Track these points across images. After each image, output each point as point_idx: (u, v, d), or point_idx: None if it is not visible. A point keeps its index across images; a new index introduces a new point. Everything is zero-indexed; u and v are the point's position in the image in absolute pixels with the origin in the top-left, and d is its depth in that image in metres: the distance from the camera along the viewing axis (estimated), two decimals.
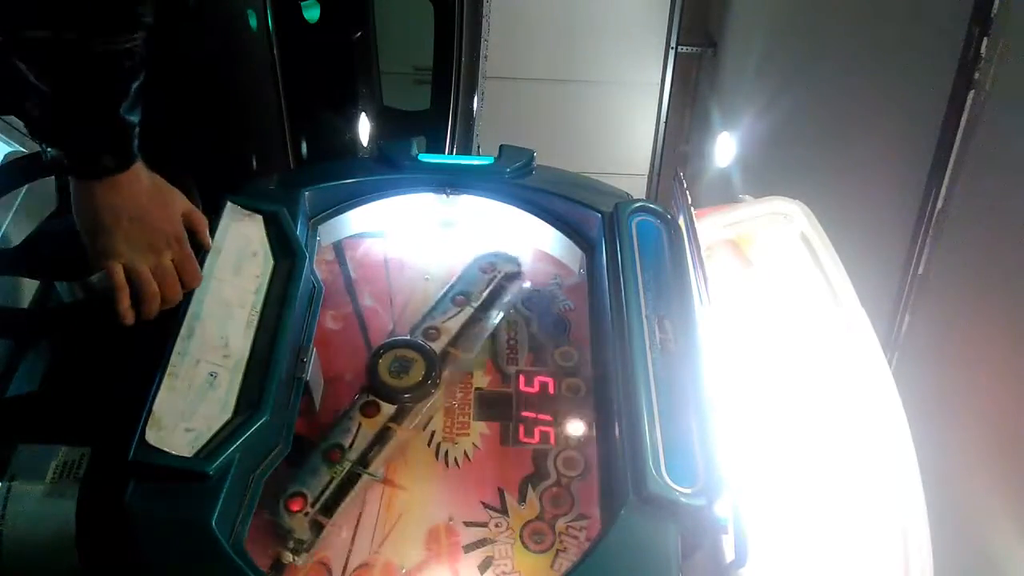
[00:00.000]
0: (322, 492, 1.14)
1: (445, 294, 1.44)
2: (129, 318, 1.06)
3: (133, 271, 1.07)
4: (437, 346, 1.34)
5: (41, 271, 1.53)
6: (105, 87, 0.93)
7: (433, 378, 1.28)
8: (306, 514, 1.12)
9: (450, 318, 1.40)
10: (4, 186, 1.54)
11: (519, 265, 1.50)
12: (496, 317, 1.40)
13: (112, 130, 0.96)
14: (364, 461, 1.19)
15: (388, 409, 1.26)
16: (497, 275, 1.48)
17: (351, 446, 1.20)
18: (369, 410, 1.25)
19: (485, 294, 1.44)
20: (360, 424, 1.23)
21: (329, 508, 1.13)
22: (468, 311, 1.41)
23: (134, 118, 0.96)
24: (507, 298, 1.44)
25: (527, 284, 1.47)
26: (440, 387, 1.29)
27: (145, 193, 1.05)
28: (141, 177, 1.03)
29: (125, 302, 1.06)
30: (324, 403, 1.27)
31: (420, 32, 2.84)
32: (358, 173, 1.52)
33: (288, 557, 1.07)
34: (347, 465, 1.18)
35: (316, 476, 1.16)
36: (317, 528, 1.11)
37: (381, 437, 1.22)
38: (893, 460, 1.20)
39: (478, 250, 1.53)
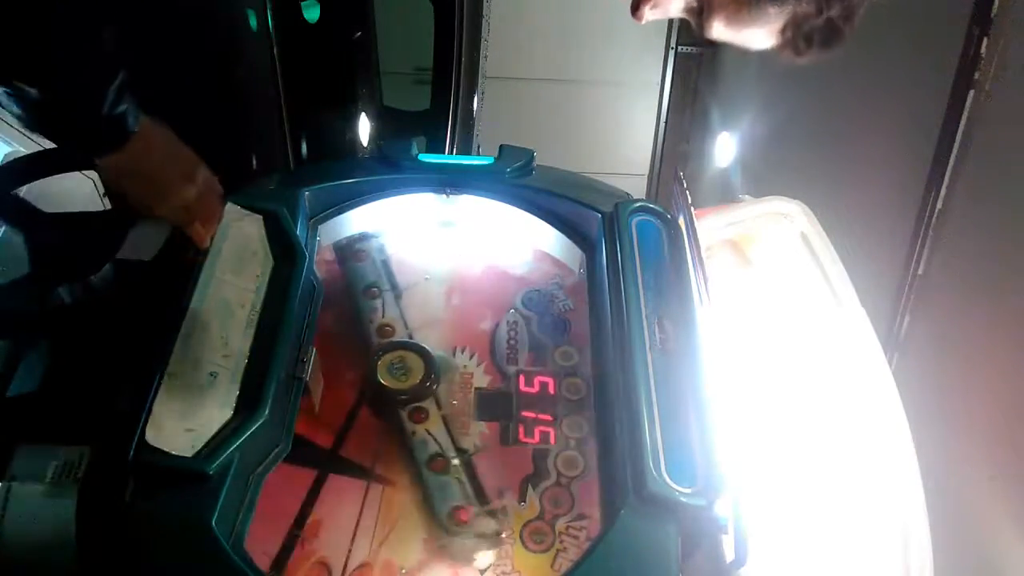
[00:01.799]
0: (467, 493, 1.16)
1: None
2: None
3: (192, 212, 1.10)
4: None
5: (50, 282, 1.53)
6: (83, 115, 0.95)
7: (433, 379, 1.28)
8: (477, 514, 1.13)
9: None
10: (21, 181, 1.55)
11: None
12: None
13: (101, 125, 0.97)
14: (460, 449, 1.21)
15: (431, 407, 1.26)
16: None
17: (441, 449, 1.21)
18: (418, 416, 1.25)
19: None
20: (427, 431, 1.23)
21: (484, 496, 1.15)
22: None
23: (122, 104, 0.96)
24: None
25: (538, 296, 1.47)
26: (439, 388, 1.29)
27: (158, 148, 1.04)
28: (147, 134, 1.02)
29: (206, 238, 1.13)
30: (324, 403, 1.26)
31: (420, 32, 2.84)
32: (358, 173, 1.52)
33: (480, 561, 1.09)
34: (455, 462, 1.19)
35: (450, 487, 1.16)
36: (502, 515, 1.13)
37: (447, 425, 1.24)
38: (893, 460, 1.20)
39: (483, 252, 1.52)
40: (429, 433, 1.23)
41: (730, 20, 1.04)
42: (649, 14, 1.08)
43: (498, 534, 1.12)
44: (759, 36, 1.05)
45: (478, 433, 1.24)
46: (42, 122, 0.98)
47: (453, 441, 1.23)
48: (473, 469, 1.19)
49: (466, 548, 1.10)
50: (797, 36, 1.03)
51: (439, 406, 1.27)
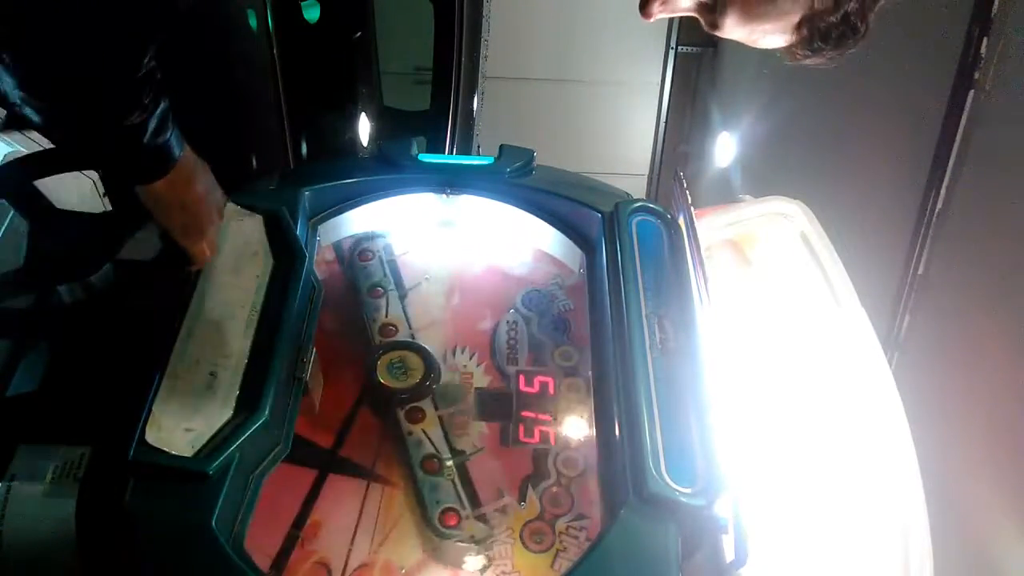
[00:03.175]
0: (459, 495, 1.16)
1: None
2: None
3: (210, 243, 1.16)
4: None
5: (46, 278, 1.54)
6: (127, 144, 0.94)
7: (433, 378, 1.28)
8: (467, 517, 1.13)
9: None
10: (27, 179, 1.55)
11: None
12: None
13: (146, 154, 0.96)
14: (455, 451, 1.20)
15: (428, 407, 1.26)
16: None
17: (437, 450, 1.21)
18: (415, 416, 1.25)
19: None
20: (424, 431, 1.23)
21: (476, 499, 1.15)
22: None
23: (165, 133, 0.96)
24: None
25: (538, 296, 1.47)
26: (439, 388, 1.29)
27: (199, 179, 1.07)
28: (188, 164, 1.04)
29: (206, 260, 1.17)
30: (324, 403, 1.26)
31: (420, 32, 2.84)
32: (358, 173, 1.52)
33: (480, 561, 1.09)
34: (451, 464, 1.19)
35: (439, 489, 1.16)
36: (485, 522, 1.13)
37: (444, 427, 1.24)
38: (893, 460, 1.20)
39: (483, 252, 1.52)
40: (425, 434, 1.23)
41: (744, 16, 1.01)
42: (659, 11, 1.05)
43: (489, 537, 1.11)
44: (773, 34, 1.03)
45: (478, 433, 1.24)
46: (83, 147, 0.98)
47: (449, 442, 1.23)
48: (467, 471, 1.19)
49: (457, 550, 1.10)
50: (813, 33, 1.00)
51: (436, 406, 1.27)
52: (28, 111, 0.88)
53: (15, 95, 0.85)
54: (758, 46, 1.05)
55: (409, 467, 1.19)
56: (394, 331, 1.37)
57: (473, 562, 1.09)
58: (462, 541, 1.11)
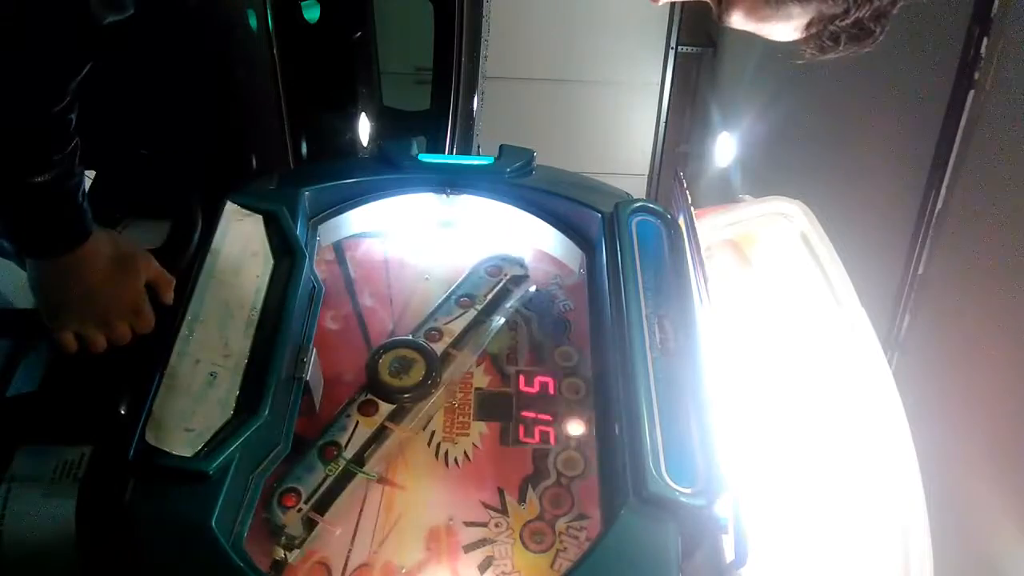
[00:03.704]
0: (316, 489, 1.15)
1: (449, 295, 1.44)
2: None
3: (83, 338, 1.06)
4: (439, 347, 1.34)
5: None
6: (39, 199, 0.87)
7: (433, 378, 1.28)
8: (299, 510, 1.12)
9: (453, 320, 1.40)
10: None
11: (525, 268, 1.50)
12: (498, 321, 1.40)
13: (57, 217, 0.91)
14: (360, 460, 1.19)
15: (386, 408, 1.26)
16: (503, 278, 1.48)
17: (347, 444, 1.20)
18: (367, 409, 1.25)
19: (489, 297, 1.44)
20: (357, 422, 1.23)
21: (322, 506, 1.13)
22: (472, 313, 1.41)
23: (79, 199, 0.89)
24: (511, 302, 1.44)
25: (532, 288, 1.47)
26: (440, 387, 1.29)
27: (100, 270, 1.01)
28: (98, 252, 0.99)
29: (71, 353, 1.06)
30: (324, 403, 1.26)
31: (420, 32, 2.84)
32: (358, 173, 1.52)
33: (280, 553, 1.07)
34: (342, 463, 1.18)
35: (311, 473, 1.16)
36: (310, 525, 1.11)
37: (378, 436, 1.22)
38: (893, 460, 1.20)
39: (483, 252, 1.53)
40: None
41: (749, 16, 1.00)
42: None
43: (499, 533, 1.12)
44: (780, 30, 1.01)
45: (478, 433, 1.24)
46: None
47: (455, 439, 1.23)
48: (473, 469, 1.19)
49: (469, 546, 1.10)
50: (823, 34, 0.99)
51: (439, 406, 1.27)
52: None
53: None
54: (766, 38, 1.04)
55: (415, 466, 1.18)
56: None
57: (474, 562, 1.09)
58: (471, 538, 1.11)
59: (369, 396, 1.26)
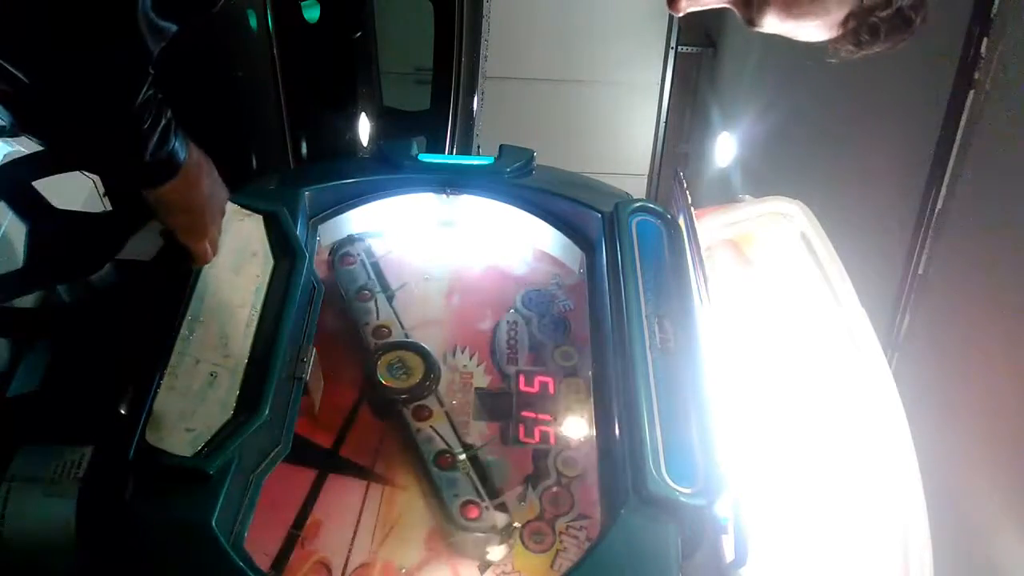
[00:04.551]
0: (479, 486, 1.16)
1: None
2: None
3: (212, 242, 1.15)
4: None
5: (46, 278, 1.54)
6: (130, 158, 0.93)
7: (433, 378, 1.28)
8: (487, 508, 1.14)
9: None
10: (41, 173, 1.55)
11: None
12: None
13: (149, 164, 0.95)
14: (464, 444, 1.21)
15: (434, 404, 1.26)
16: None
17: (448, 446, 1.21)
18: (422, 413, 1.25)
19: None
20: (431, 427, 1.24)
21: (497, 491, 1.16)
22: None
23: (167, 144, 0.94)
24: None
25: (538, 296, 1.47)
26: (439, 388, 1.29)
27: (204, 180, 1.06)
28: (193, 167, 1.03)
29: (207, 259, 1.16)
30: (324, 403, 1.26)
31: (420, 32, 2.84)
32: (358, 173, 1.52)
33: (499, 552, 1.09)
34: (463, 457, 1.20)
35: (460, 482, 1.17)
36: (504, 510, 1.14)
37: (450, 421, 1.24)
38: (893, 460, 1.20)
39: (483, 252, 1.52)
40: (434, 430, 1.23)
41: (785, 14, 0.96)
42: (688, 5, 1.00)
43: (510, 527, 1.12)
44: (815, 28, 0.97)
45: (478, 433, 1.24)
46: (86, 164, 0.98)
47: (459, 437, 1.23)
48: (481, 464, 1.19)
49: (475, 544, 1.11)
50: (861, 29, 0.94)
51: (441, 404, 1.27)
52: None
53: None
54: (797, 39, 1.00)
55: (420, 464, 1.19)
56: (390, 332, 1.37)
57: (481, 556, 1.09)
58: (483, 533, 1.12)
59: (418, 404, 1.27)
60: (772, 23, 0.97)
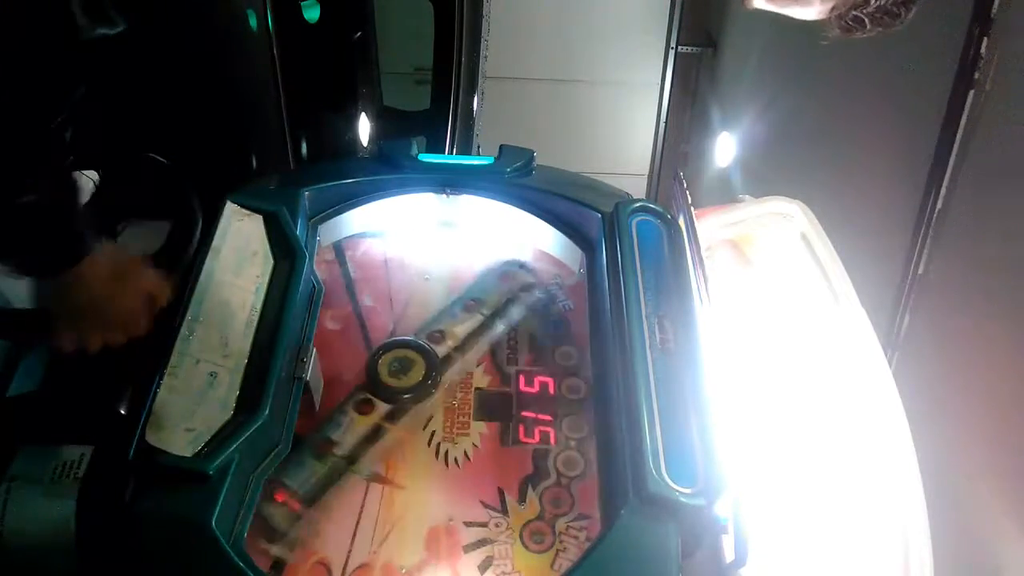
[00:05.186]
0: (305, 485, 1.15)
1: (459, 298, 1.44)
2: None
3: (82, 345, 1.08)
4: (441, 349, 1.34)
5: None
6: (37, 221, 0.91)
7: (433, 378, 1.28)
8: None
9: (459, 323, 1.39)
10: None
11: (535, 278, 1.49)
12: (502, 327, 1.40)
13: (55, 238, 0.94)
14: (353, 458, 1.19)
15: (382, 407, 1.26)
16: (515, 287, 1.47)
17: (341, 442, 1.20)
18: (364, 407, 1.25)
19: (497, 303, 1.43)
20: (353, 420, 1.23)
21: (311, 501, 1.13)
22: (478, 318, 1.40)
23: (74, 219, 0.93)
24: (517, 311, 1.43)
25: (538, 296, 1.46)
26: (440, 388, 1.29)
27: (99, 285, 1.03)
28: (95, 269, 1.01)
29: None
30: (324, 403, 1.26)
31: (420, 32, 2.84)
32: (358, 173, 1.52)
33: (263, 545, 1.07)
34: (333, 460, 1.18)
35: (302, 468, 1.16)
36: (295, 519, 1.11)
37: (374, 435, 1.22)
38: (893, 460, 1.20)
39: (483, 252, 1.52)
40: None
41: None
42: None
43: (499, 533, 1.12)
44: (802, 12, 1.04)
45: (478, 433, 1.24)
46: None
47: (455, 439, 1.23)
48: (473, 469, 1.19)
49: (475, 544, 1.11)
50: (845, 16, 1.00)
51: (441, 404, 1.27)
52: None
53: None
54: (789, 16, 1.06)
55: (416, 466, 1.19)
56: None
57: (474, 562, 1.09)
58: (475, 536, 1.11)
59: (366, 395, 1.26)
60: (763, 1, 1.04)
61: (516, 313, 1.42)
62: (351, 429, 1.22)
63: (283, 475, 1.14)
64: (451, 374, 1.32)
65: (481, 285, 1.48)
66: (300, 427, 1.19)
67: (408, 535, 1.11)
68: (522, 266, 1.51)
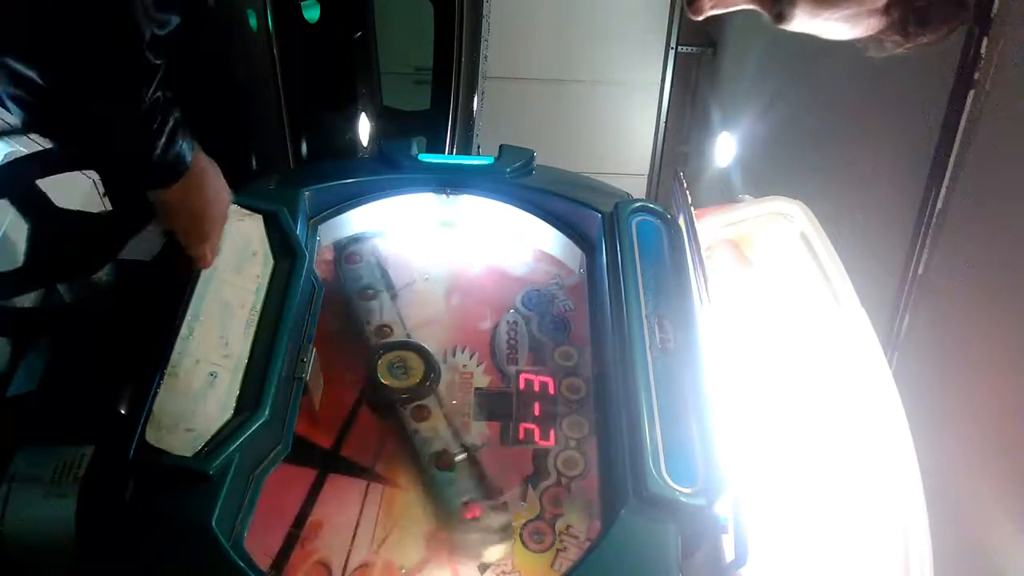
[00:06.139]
0: (479, 486, 1.17)
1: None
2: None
3: (212, 247, 1.12)
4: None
5: (46, 278, 1.54)
6: (136, 160, 0.93)
7: (433, 378, 1.28)
8: (487, 508, 1.15)
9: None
10: (43, 173, 1.55)
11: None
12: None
13: (154, 166, 0.95)
14: (464, 445, 1.22)
15: (433, 404, 1.26)
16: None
17: (446, 446, 1.21)
18: (422, 413, 1.25)
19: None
20: (431, 428, 1.24)
21: (497, 491, 1.16)
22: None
23: (174, 147, 0.94)
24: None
25: (538, 296, 1.47)
26: (439, 388, 1.29)
27: (208, 185, 1.05)
28: (198, 171, 1.02)
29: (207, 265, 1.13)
30: (324, 403, 1.26)
31: (420, 32, 2.84)
32: (358, 173, 1.52)
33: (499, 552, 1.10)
34: (462, 457, 1.20)
35: (458, 483, 1.17)
36: (504, 510, 1.15)
37: (450, 422, 1.25)
38: (893, 460, 1.20)
39: (483, 252, 1.53)
40: (434, 430, 1.23)
41: (818, 5, 0.87)
42: (710, 7, 0.93)
43: (508, 527, 1.12)
44: (851, 22, 0.88)
45: (478, 433, 1.24)
46: (91, 162, 0.97)
47: (457, 438, 1.23)
48: (479, 465, 1.20)
49: (474, 544, 1.11)
50: (907, 16, 0.85)
51: (441, 404, 1.27)
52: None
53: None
54: (827, 37, 0.92)
55: (418, 464, 1.19)
56: (391, 331, 1.37)
57: (479, 557, 1.09)
58: (482, 533, 1.12)
59: (417, 404, 1.27)
60: (802, 20, 0.89)
61: (516, 313, 1.43)
62: (431, 437, 1.23)
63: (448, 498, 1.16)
64: (451, 374, 1.32)
65: (481, 285, 1.48)
66: (300, 427, 1.19)
67: (408, 535, 1.11)
68: (522, 266, 1.51)
